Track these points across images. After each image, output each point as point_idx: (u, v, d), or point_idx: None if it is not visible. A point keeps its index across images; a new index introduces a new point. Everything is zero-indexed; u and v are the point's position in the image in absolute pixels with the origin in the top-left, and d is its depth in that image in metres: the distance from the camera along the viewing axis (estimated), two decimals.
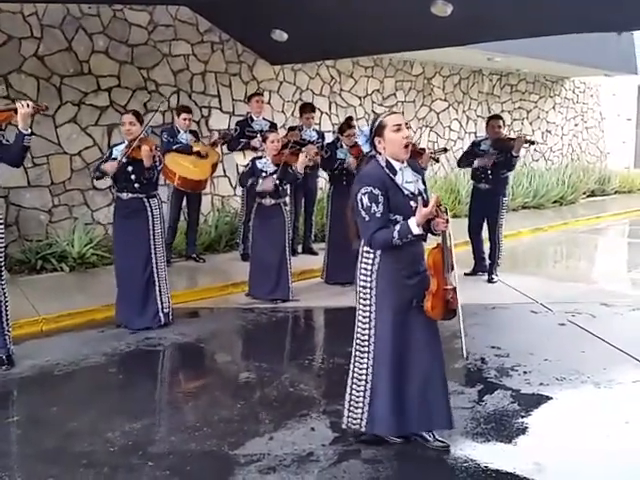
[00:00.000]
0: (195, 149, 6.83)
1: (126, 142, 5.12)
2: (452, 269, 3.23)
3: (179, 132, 6.98)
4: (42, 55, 7.12)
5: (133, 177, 5.09)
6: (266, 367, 4.47)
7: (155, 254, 5.23)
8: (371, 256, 3.16)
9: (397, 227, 3.02)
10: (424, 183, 3.28)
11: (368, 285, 3.17)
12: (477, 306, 5.99)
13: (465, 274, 7.06)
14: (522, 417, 3.72)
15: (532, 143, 6.95)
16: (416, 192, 3.15)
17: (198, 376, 4.52)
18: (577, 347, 4.93)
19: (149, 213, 5.19)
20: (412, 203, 3.09)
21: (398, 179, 3.10)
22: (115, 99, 7.67)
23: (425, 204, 3.06)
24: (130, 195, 5.14)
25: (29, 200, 7.14)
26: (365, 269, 3.17)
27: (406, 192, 3.11)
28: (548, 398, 3.99)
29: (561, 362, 4.57)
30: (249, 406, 3.88)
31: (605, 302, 6.19)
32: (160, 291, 5.25)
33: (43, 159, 7.20)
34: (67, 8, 7.23)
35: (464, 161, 7.04)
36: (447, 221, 3.13)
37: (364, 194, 3.04)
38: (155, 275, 5.22)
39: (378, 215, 3.03)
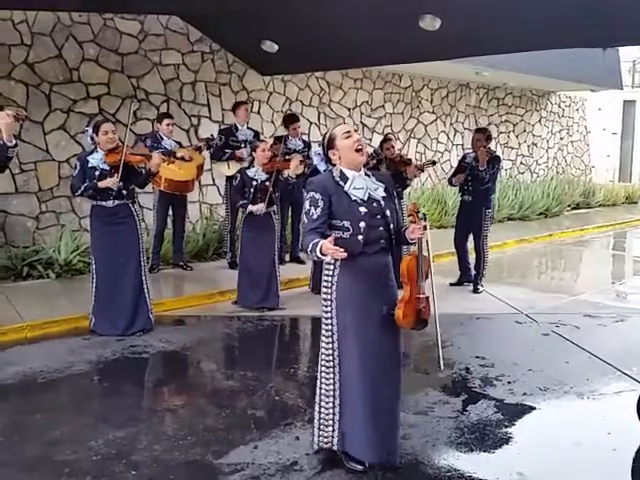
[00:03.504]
0: (179, 154, 6.85)
1: (100, 151, 5.12)
2: (427, 278, 3.17)
3: (162, 139, 7.00)
4: (32, 62, 7.12)
5: (121, 184, 5.12)
6: (252, 376, 4.47)
7: (143, 257, 5.33)
8: (331, 267, 3.11)
9: (317, 240, 2.92)
10: (389, 192, 3.19)
11: (328, 297, 3.12)
12: (462, 316, 6.04)
13: (450, 284, 7.16)
14: (505, 427, 3.74)
15: (497, 158, 6.92)
16: (365, 198, 3.09)
17: (183, 384, 4.51)
18: (561, 358, 4.97)
19: (136, 218, 5.27)
20: (361, 209, 3.06)
21: (346, 186, 3.09)
22: (104, 107, 7.68)
23: (382, 210, 3.09)
24: (117, 202, 5.16)
25: (16, 206, 7.13)
26: (326, 280, 3.13)
27: (353, 198, 3.08)
28: (532, 408, 4.03)
29: (545, 372, 4.61)
30: (234, 415, 3.88)
31: (589, 313, 6.26)
32: (148, 293, 5.34)
33: (31, 165, 7.19)
34: (57, 16, 7.26)
35: (452, 178, 7.16)
36: (425, 227, 3.09)
37: (307, 199, 3.11)
38: (144, 278, 5.30)
39: (314, 217, 3.05)
